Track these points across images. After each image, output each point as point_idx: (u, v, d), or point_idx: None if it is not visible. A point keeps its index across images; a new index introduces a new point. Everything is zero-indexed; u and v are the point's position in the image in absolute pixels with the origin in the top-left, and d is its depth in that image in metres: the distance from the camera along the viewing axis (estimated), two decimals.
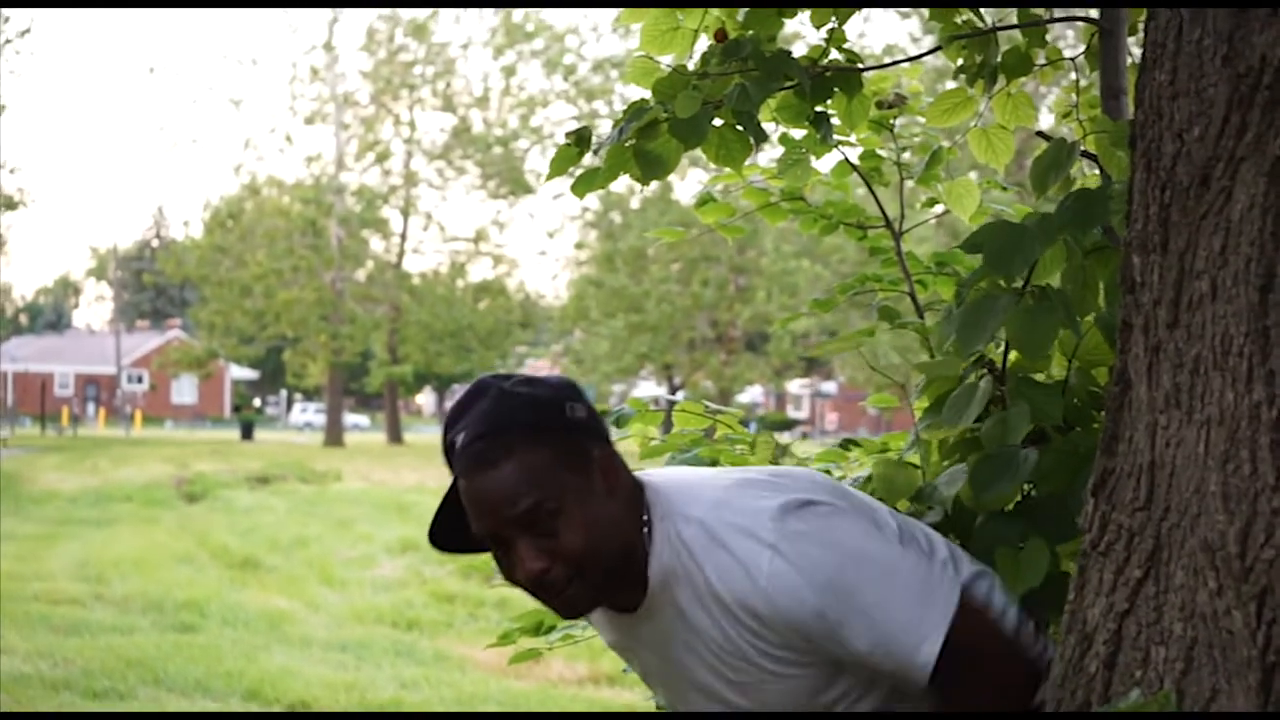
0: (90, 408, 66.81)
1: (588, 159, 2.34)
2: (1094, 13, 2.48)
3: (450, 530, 1.77)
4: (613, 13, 2.65)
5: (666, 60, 2.40)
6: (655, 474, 1.83)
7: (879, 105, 2.70)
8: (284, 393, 71.68)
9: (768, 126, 2.42)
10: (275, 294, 40.76)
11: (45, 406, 50.03)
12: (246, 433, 44.44)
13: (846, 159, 2.82)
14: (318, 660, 8.35)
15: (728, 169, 2.46)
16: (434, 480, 22.52)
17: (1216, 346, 1.37)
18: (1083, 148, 2.16)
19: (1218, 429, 1.36)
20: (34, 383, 59.65)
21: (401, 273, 43.88)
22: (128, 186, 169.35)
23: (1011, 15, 2.57)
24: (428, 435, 52.77)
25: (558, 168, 2.34)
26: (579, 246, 42.77)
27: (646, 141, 2.29)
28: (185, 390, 70.83)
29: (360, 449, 38.08)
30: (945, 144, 2.79)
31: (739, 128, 2.32)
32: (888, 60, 2.69)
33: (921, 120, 2.77)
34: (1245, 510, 1.32)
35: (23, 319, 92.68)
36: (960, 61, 2.58)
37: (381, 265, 44.26)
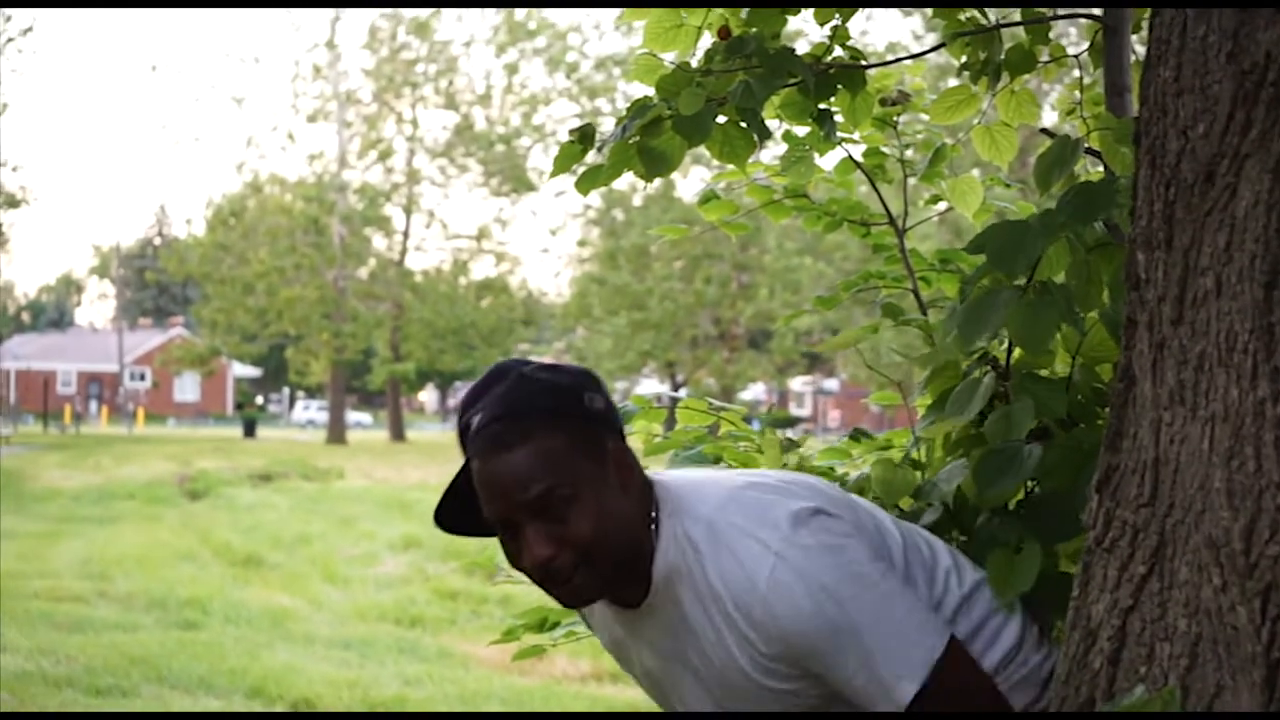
0: (93, 405, 66.92)
1: (591, 156, 2.34)
2: (1097, 10, 2.48)
3: (456, 513, 1.76)
4: (615, 11, 2.65)
5: (670, 57, 2.40)
6: (665, 474, 1.83)
7: (882, 102, 2.70)
8: (286, 390, 71.72)
9: (771, 123, 2.42)
10: (278, 291, 40.78)
11: (48, 404, 50.06)
12: (249, 430, 44.47)
13: (850, 156, 2.82)
14: (321, 657, 8.35)
15: (731, 166, 2.46)
16: (437, 477, 22.51)
17: (1221, 343, 1.37)
18: (1086, 145, 2.16)
19: (1222, 425, 1.36)
20: (36, 381, 59.67)
21: (404, 270, 43.91)
22: (130, 184, 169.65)
23: (1015, 12, 2.57)
24: (430, 433, 52.83)
25: (562, 164, 2.34)
26: (581, 244, 42.79)
27: (650, 138, 2.29)
28: (188, 388, 70.88)
29: (363, 446, 38.09)
30: (949, 141, 2.79)
31: (743, 125, 2.32)
32: (891, 58, 2.69)
33: (925, 117, 2.77)
34: (1250, 506, 1.32)
35: (25, 317, 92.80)
36: (964, 59, 2.58)
37: (384, 263, 44.29)
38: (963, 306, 1.84)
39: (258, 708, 7.06)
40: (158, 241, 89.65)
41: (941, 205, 2.95)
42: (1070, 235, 1.81)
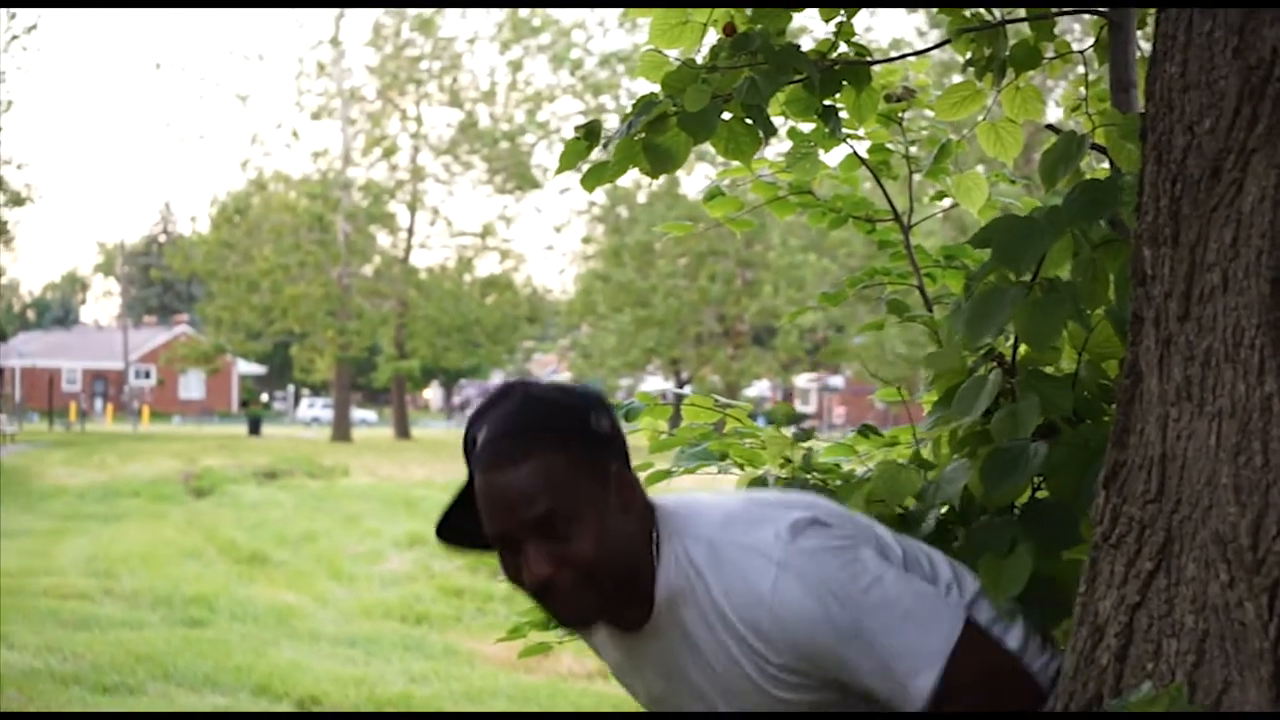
0: (98, 403, 66.97)
1: (596, 153, 2.34)
2: (1103, 6, 2.48)
3: (458, 528, 1.77)
4: (619, 8, 2.65)
5: (675, 54, 2.40)
6: (665, 497, 1.82)
7: (887, 99, 2.70)
8: (291, 388, 71.76)
9: (776, 120, 2.42)
10: (282, 289, 40.81)
11: (53, 402, 50.12)
12: (254, 428, 44.50)
13: (855, 152, 2.82)
14: (326, 655, 8.36)
15: (736, 163, 2.45)
16: (442, 475, 22.55)
17: (1228, 339, 1.37)
18: (1092, 141, 2.16)
19: (1229, 421, 1.36)
20: (41, 378, 59.75)
21: (408, 268, 43.92)
22: (135, 182, 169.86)
23: (1020, 9, 2.57)
24: (435, 430, 52.85)
25: (567, 161, 2.34)
26: (586, 241, 42.83)
27: (656, 135, 2.30)
28: (193, 385, 70.93)
29: (368, 444, 38.13)
30: (953, 137, 2.79)
31: (748, 121, 2.32)
32: (895, 54, 2.69)
33: (930, 114, 2.77)
34: (1257, 502, 1.32)
35: (30, 314, 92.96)
36: (969, 55, 2.57)
37: (388, 260, 44.29)
38: (968, 303, 1.83)
39: (263, 705, 7.07)
40: (163, 239, 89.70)
41: (946, 201, 2.95)
42: (1076, 231, 1.81)
